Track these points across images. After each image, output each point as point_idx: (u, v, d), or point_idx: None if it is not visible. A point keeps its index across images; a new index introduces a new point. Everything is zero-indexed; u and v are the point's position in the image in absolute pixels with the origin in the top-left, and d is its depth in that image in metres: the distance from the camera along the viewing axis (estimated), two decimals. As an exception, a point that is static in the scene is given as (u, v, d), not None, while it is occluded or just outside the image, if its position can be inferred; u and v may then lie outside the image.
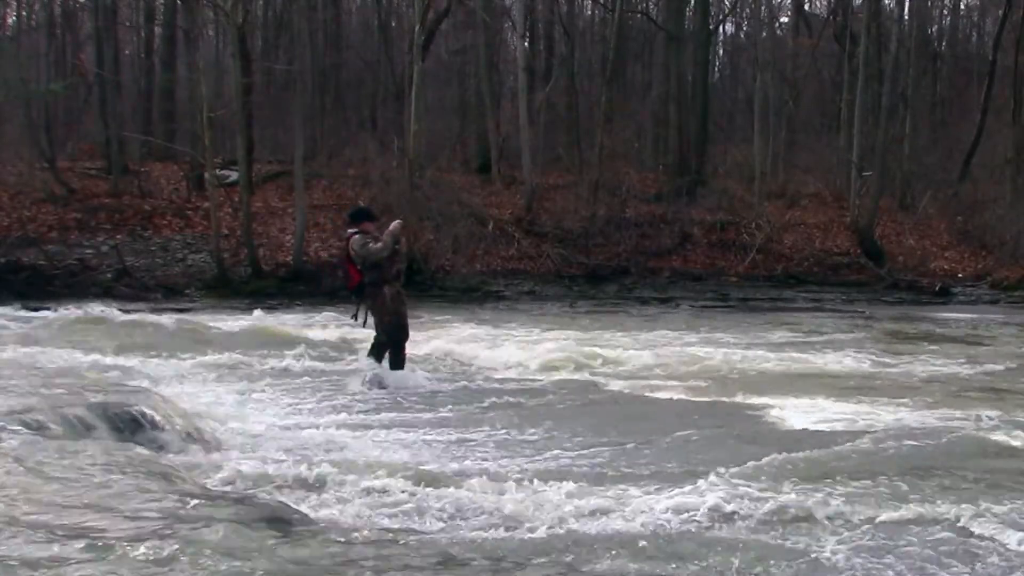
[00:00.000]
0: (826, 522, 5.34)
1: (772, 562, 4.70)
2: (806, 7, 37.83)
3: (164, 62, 29.22)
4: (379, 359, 10.11)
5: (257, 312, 17.10)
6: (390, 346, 10.21)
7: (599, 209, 25.64)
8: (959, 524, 5.28)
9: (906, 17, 30.47)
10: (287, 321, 16.25)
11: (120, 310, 16.01)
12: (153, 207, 24.42)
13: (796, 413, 8.75)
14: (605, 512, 5.42)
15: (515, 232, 25.00)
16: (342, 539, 4.56)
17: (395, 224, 10.35)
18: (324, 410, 8.66)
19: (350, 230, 10.35)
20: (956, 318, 19.32)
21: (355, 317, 10.43)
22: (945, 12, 39.15)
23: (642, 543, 4.95)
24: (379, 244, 10.02)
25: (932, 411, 8.92)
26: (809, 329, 16.64)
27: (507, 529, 5.18)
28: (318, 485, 5.80)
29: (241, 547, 3.99)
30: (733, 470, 6.26)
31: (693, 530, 5.24)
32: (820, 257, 26.09)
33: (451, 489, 5.75)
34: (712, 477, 6.01)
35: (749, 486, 5.88)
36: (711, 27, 33.00)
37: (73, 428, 6.25)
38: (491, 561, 4.44)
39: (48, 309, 17.03)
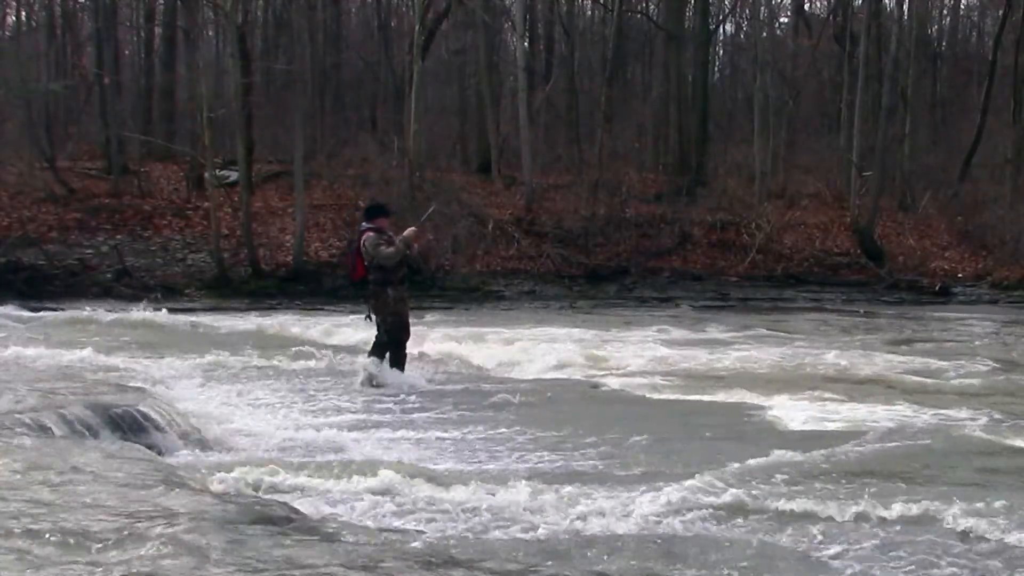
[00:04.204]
0: (826, 522, 5.35)
1: (772, 562, 4.71)
2: (806, 7, 37.84)
3: (164, 62, 29.17)
4: (379, 359, 10.10)
5: (257, 317, 17.10)
6: (390, 346, 10.21)
7: (599, 209, 25.62)
8: (959, 524, 5.28)
9: (906, 17, 30.45)
10: (287, 321, 16.25)
11: (120, 310, 16.01)
12: (153, 207, 24.40)
13: (795, 413, 8.76)
14: (605, 512, 5.42)
15: (515, 232, 24.98)
16: (342, 539, 4.56)
17: (410, 231, 10.37)
18: (324, 410, 8.66)
19: (364, 224, 10.34)
20: (956, 318, 19.32)
21: (368, 318, 10.41)
22: (945, 12, 39.15)
23: (642, 543, 4.96)
24: (391, 249, 10.00)
25: (931, 411, 8.92)
26: (809, 329, 16.64)
27: (507, 529, 5.18)
28: (318, 485, 5.80)
29: (240, 547, 4.00)
30: (732, 470, 6.27)
31: (693, 530, 5.24)
32: (820, 257, 26.08)
33: (450, 489, 5.75)
34: (711, 477, 6.02)
35: (748, 486, 5.89)
36: (711, 27, 32.98)
37: (73, 428, 6.26)
38: (491, 561, 4.44)
39: (49, 309, 17.05)
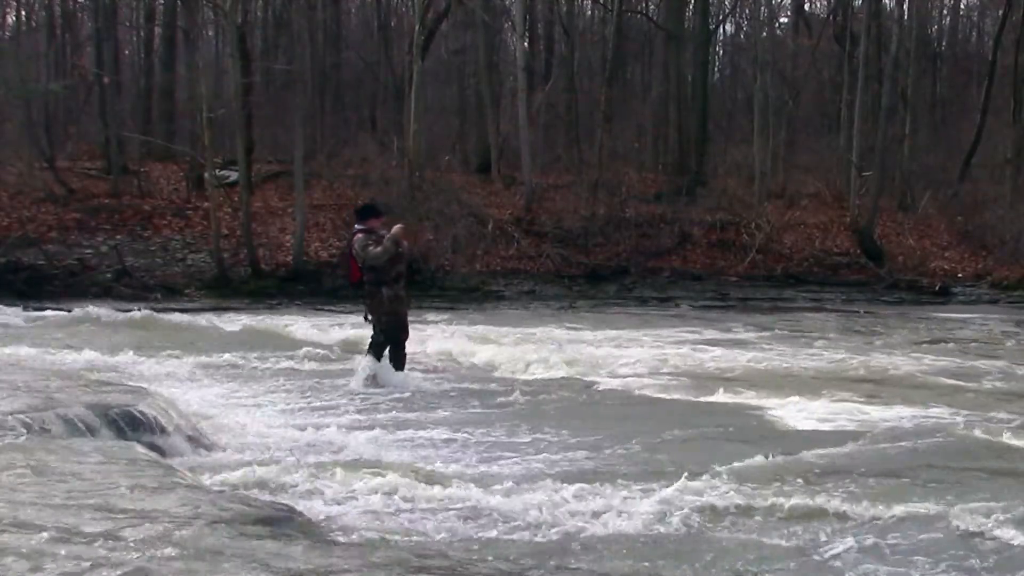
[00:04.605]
0: (826, 522, 5.34)
1: (772, 562, 4.71)
2: (806, 7, 37.83)
3: (164, 62, 29.18)
4: (377, 359, 10.09)
5: (257, 317, 17.10)
6: (388, 345, 10.20)
7: (599, 209, 25.62)
8: (959, 523, 5.28)
9: (906, 17, 30.45)
10: (286, 321, 16.25)
11: (120, 310, 16.01)
12: (153, 207, 24.40)
13: (795, 413, 8.75)
14: (605, 512, 5.42)
15: (515, 232, 24.98)
16: (341, 539, 4.56)
17: (396, 228, 10.32)
18: (323, 410, 8.65)
19: (356, 226, 10.35)
20: (956, 318, 19.32)
21: (366, 318, 10.42)
22: (945, 12, 39.15)
23: (642, 543, 4.96)
24: (378, 249, 9.98)
25: (931, 411, 8.91)
26: (809, 329, 16.63)
27: (507, 529, 5.17)
28: (317, 485, 5.79)
29: (240, 547, 3.99)
30: (732, 470, 6.26)
31: (693, 530, 5.24)
32: (820, 257, 26.08)
33: (450, 489, 5.74)
34: (712, 477, 6.01)
35: (749, 486, 5.88)
36: (711, 27, 32.98)
37: (73, 428, 6.25)
38: (491, 561, 4.44)
39: (48, 309, 17.04)
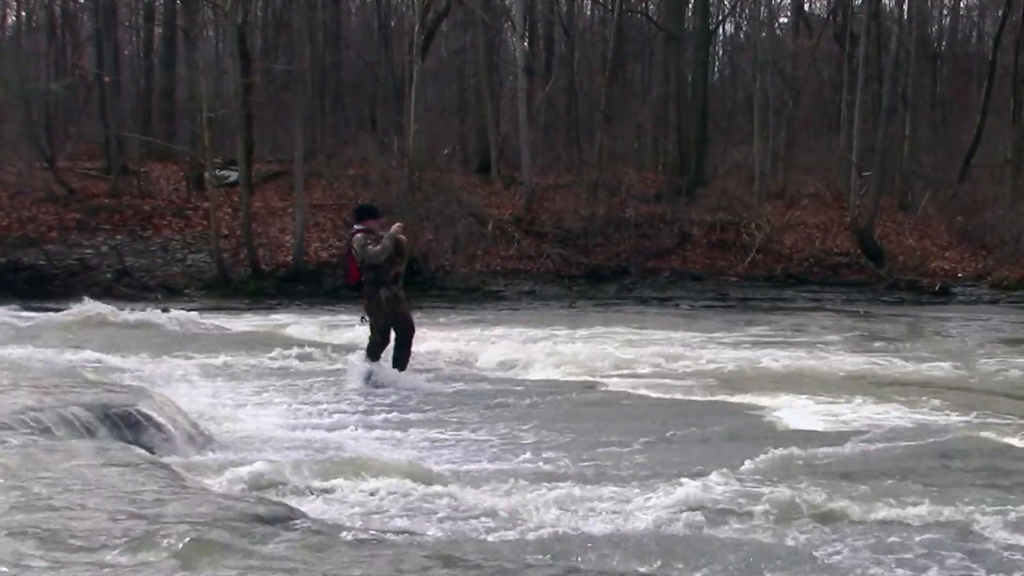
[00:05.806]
0: (826, 522, 5.34)
1: (772, 562, 4.70)
2: (806, 7, 37.83)
3: (164, 62, 29.20)
4: (376, 359, 10.10)
5: (257, 317, 17.09)
6: (385, 346, 10.21)
7: (599, 209, 25.63)
8: (959, 524, 5.28)
9: (906, 17, 30.44)
10: (286, 321, 16.25)
11: (120, 310, 16.00)
12: (153, 207, 24.41)
13: (796, 413, 8.75)
14: (605, 512, 5.41)
15: (515, 232, 24.99)
16: (341, 539, 4.55)
17: (395, 227, 10.34)
18: (323, 410, 8.64)
19: (355, 227, 10.37)
20: (956, 318, 19.31)
21: (363, 319, 10.45)
22: (945, 12, 39.13)
23: (642, 543, 4.95)
24: (378, 248, 10.01)
25: (931, 411, 8.91)
26: (809, 329, 16.63)
27: (507, 529, 5.17)
28: (317, 485, 5.79)
29: (241, 547, 3.99)
30: (733, 470, 6.25)
31: (693, 530, 5.24)
32: (820, 257, 26.08)
33: (450, 489, 5.74)
34: (712, 477, 6.01)
35: (749, 486, 5.88)
36: (711, 27, 32.98)
37: (73, 428, 6.24)
38: (490, 561, 4.43)
39: (49, 309, 17.04)
